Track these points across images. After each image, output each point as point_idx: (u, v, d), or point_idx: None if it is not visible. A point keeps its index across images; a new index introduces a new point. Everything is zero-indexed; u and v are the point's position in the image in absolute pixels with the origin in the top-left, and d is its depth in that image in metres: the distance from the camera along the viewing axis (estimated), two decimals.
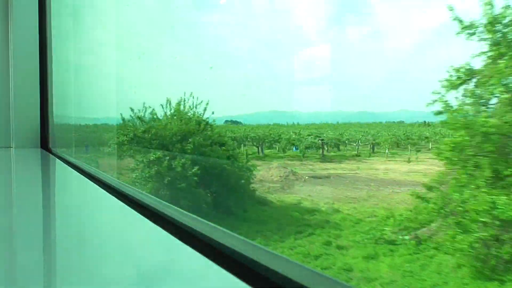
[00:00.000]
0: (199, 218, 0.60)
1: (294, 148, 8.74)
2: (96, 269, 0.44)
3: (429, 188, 3.00)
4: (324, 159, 8.27)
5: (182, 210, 0.66)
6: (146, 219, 0.63)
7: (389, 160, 7.83)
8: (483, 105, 2.24)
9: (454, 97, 2.36)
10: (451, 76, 2.39)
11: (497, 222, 2.20)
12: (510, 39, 2.11)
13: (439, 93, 2.41)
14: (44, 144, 2.05)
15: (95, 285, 0.39)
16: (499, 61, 2.08)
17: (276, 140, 9.24)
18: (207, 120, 5.69)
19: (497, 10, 2.16)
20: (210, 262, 0.44)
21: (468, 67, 2.29)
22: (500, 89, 2.07)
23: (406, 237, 3.59)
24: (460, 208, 2.45)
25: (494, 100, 2.21)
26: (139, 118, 5.73)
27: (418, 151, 7.83)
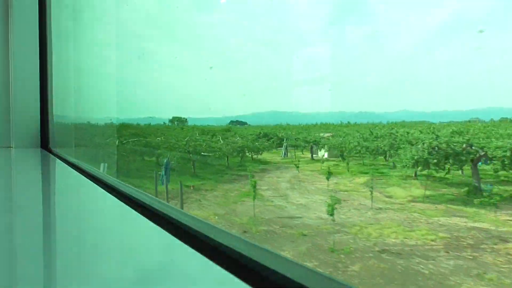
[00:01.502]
0: (199, 218, 0.60)
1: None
2: (96, 269, 0.44)
3: None
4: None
5: (182, 210, 0.66)
6: (146, 219, 0.63)
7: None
8: None
9: None
10: None
11: None
12: None
13: None
14: (44, 144, 2.05)
15: (95, 285, 0.39)
16: None
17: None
18: None
19: None
20: (210, 262, 0.44)
21: None
22: None
23: None
24: None
25: None
26: None
27: None
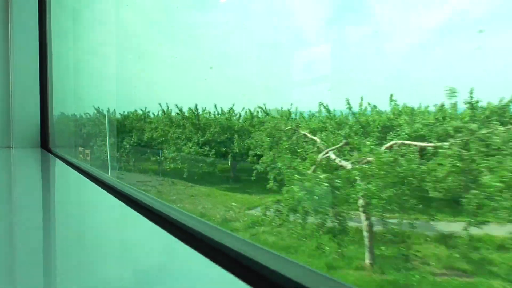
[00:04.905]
0: (199, 218, 0.60)
1: None
2: (96, 269, 0.44)
3: None
4: None
5: (182, 210, 0.66)
6: (146, 219, 0.63)
7: None
8: None
9: None
10: None
11: None
12: None
13: None
14: (44, 144, 2.04)
15: (95, 285, 0.39)
16: None
17: None
18: None
19: None
20: (210, 262, 0.44)
21: None
22: None
23: None
24: None
25: None
26: None
27: None
